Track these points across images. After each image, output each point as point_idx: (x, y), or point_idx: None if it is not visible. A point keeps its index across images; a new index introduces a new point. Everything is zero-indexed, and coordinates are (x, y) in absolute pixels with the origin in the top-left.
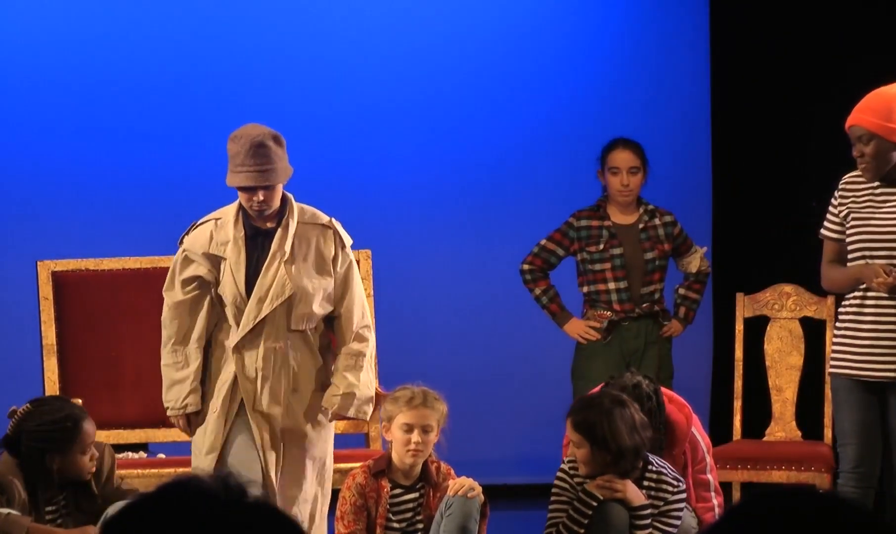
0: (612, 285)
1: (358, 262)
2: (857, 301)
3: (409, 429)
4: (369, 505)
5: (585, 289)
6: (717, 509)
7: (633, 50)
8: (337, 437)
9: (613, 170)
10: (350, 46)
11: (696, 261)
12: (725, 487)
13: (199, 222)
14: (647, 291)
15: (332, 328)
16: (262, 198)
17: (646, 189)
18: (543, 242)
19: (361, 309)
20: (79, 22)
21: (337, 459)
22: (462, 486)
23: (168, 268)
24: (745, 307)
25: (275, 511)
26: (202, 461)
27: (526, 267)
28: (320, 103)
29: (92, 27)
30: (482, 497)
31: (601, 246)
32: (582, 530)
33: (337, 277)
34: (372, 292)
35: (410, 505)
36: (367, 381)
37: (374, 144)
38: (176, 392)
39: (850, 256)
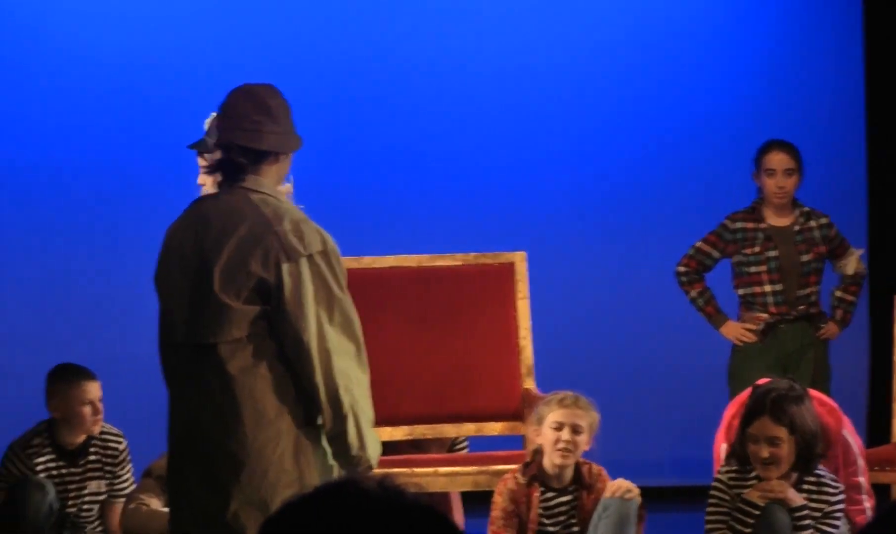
0: (767, 288)
1: (513, 264)
2: None
3: (559, 427)
4: (520, 511)
5: (741, 291)
6: (868, 512)
7: (788, 50)
8: (492, 439)
9: (769, 171)
10: (504, 53)
11: (853, 263)
12: (882, 489)
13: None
14: (803, 293)
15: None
16: None
17: (801, 191)
18: (699, 244)
19: None
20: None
21: (494, 460)
22: (619, 488)
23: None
24: None
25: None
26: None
27: (681, 269)
28: (474, 109)
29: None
30: (639, 499)
31: (757, 248)
32: None
33: None
34: (527, 295)
35: (564, 508)
36: None
37: (529, 147)
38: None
39: None
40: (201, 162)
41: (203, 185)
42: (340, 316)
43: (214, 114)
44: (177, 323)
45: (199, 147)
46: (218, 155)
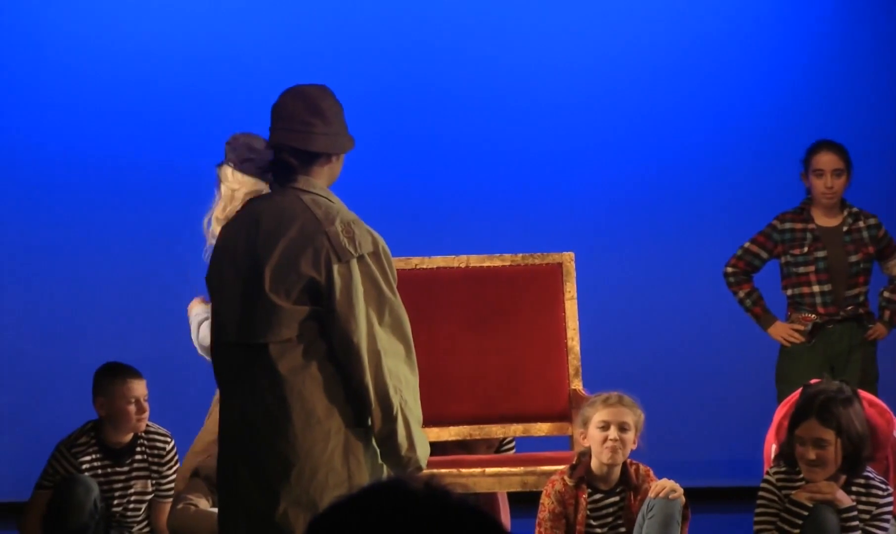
0: (816, 288)
1: (561, 264)
2: None
3: (605, 426)
4: (568, 512)
5: (789, 292)
6: None
7: (838, 49)
8: (540, 439)
9: (817, 172)
10: (555, 52)
11: None
12: None
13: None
14: (851, 293)
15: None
16: None
17: (850, 191)
18: (747, 244)
19: None
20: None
21: (541, 461)
22: (663, 488)
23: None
24: None
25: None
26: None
27: (729, 270)
28: (523, 110)
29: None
30: (683, 499)
31: (805, 249)
32: None
33: None
34: (575, 296)
35: (611, 509)
36: None
37: (578, 147)
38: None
39: None
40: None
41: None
42: (391, 317)
43: (232, 135)
44: (228, 323)
45: (217, 165)
46: (223, 170)
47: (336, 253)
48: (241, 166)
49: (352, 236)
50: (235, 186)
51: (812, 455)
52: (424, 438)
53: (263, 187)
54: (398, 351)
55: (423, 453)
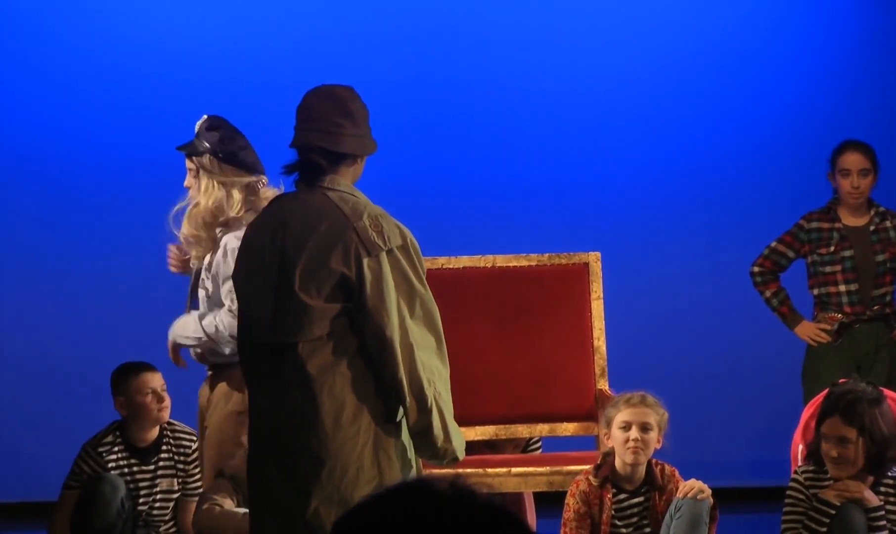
0: (842, 288)
1: (587, 264)
2: None
3: (627, 426)
4: (593, 512)
5: (816, 291)
6: None
7: (864, 50)
8: (566, 439)
9: (844, 172)
10: (581, 52)
11: None
12: None
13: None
14: (877, 293)
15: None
16: None
17: (876, 191)
18: (774, 244)
19: None
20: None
21: (567, 461)
22: (691, 488)
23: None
24: None
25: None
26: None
27: (756, 269)
28: (548, 109)
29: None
30: (711, 500)
31: (832, 248)
32: None
33: None
34: (601, 295)
35: (636, 510)
36: None
37: (604, 147)
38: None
39: None
40: (189, 165)
41: (190, 187)
42: (421, 309)
43: (206, 117)
44: (257, 323)
45: (188, 149)
46: (206, 159)
47: (365, 247)
48: (238, 159)
49: (380, 230)
50: (226, 180)
51: (834, 453)
52: (458, 429)
53: (254, 180)
54: (430, 344)
55: (458, 443)
